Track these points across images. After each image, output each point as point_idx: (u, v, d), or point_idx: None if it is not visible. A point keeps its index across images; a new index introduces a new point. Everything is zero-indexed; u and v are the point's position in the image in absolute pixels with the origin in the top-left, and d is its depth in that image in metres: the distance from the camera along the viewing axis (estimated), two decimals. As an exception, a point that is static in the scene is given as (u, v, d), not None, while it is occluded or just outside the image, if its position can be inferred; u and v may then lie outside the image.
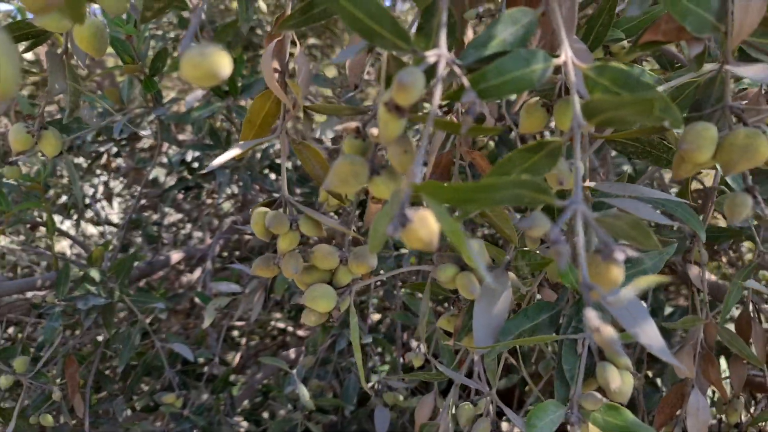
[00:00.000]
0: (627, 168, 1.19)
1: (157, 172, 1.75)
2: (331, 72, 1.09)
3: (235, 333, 1.71)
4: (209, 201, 1.83)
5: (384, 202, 0.48)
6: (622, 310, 0.38)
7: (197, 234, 1.92)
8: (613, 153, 1.19)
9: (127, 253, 1.43)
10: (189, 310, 1.81)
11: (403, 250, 1.15)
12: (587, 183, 0.49)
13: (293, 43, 0.40)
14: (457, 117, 0.45)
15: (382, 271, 1.03)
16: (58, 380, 1.03)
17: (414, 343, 1.48)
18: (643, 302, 0.41)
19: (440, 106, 0.30)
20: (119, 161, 1.69)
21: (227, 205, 1.88)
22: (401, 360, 1.21)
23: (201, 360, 1.17)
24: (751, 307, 0.72)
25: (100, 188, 1.72)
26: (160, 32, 1.50)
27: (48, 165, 0.89)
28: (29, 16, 0.76)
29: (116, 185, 1.84)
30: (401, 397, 1.13)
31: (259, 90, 1.20)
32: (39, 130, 0.47)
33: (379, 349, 1.28)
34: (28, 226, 1.33)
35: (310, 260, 0.44)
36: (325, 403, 1.05)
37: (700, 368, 0.64)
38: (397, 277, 1.18)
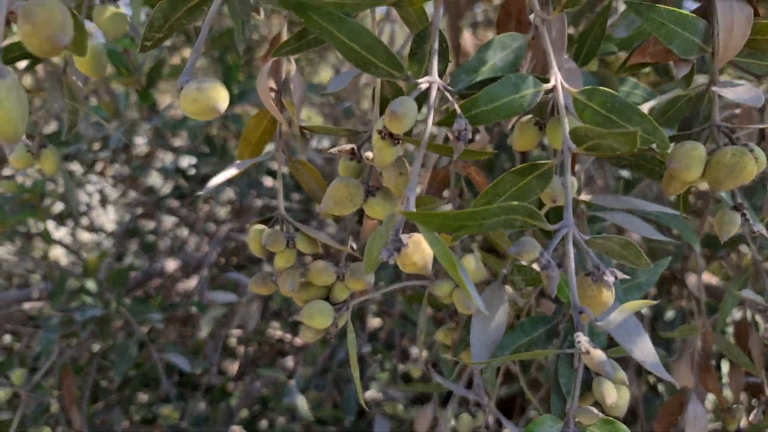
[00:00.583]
0: (625, 173, 1.20)
1: (153, 180, 1.76)
2: (327, 74, 1.09)
3: (233, 341, 1.71)
4: (206, 207, 1.83)
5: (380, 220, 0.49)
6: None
7: (193, 239, 1.92)
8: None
9: (123, 261, 1.43)
10: (185, 318, 1.81)
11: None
12: (582, 196, 0.49)
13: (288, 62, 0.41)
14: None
15: (382, 282, 1.04)
16: (55, 392, 1.03)
17: (414, 350, 1.49)
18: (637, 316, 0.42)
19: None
20: (115, 168, 1.69)
21: (223, 211, 1.88)
22: (400, 367, 1.21)
23: (198, 370, 1.17)
24: (749, 314, 0.72)
25: (96, 196, 1.72)
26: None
27: (45, 176, 0.89)
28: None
29: (111, 192, 1.84)
30: (401, 407, 1.13)
31: (255, 97, 1.21)
32: (39, 148, 0.47)
33: (378, 356, 1.28)
34: (24, 235, 1.33)
35: (307, 277, 0.44)
36: (325, 414, 1.05)
37: (698, 376, 0.65)
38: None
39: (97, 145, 1.13)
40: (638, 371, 0.96)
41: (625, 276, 0.26)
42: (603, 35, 0.49)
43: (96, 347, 1.17)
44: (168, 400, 1.08)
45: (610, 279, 0.25)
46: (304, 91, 0.40)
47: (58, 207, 1.57)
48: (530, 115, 0.41)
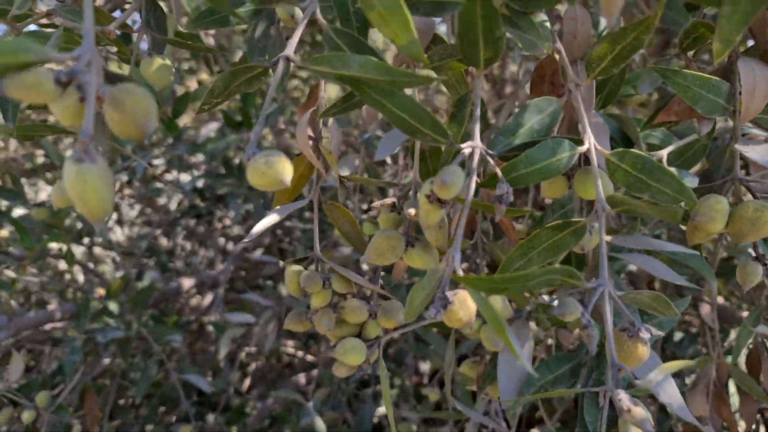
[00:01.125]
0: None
1: (165, 200, 1.78)
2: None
3: (242, 355, 1.72)
4: (219, 225, 1.85)
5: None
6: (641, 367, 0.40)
7: (207, 254, 1.94)
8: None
9: (141, 281, 1.45)
10: (197, 333, 1.83)
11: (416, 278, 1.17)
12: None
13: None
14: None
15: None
16: (73, 410, 1.05)
17: (423, 366, 1.49)
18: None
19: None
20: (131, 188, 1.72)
21: (237, 229, 1.91)
22: (407, 383, 1.22)
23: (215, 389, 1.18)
24: (760, 344, 0.73)
25: (113, 215, 1.75)
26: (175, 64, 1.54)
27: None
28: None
29: (127, 211, 1.87)
30: (414, 427, 1.14)
31: (272, 122, 1.24)
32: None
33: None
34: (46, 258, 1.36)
35: (341, 315, 0.46)
36: (340, 434, 1.06)
37: (713, 406, 0.66)
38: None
39: (124, 177, 1.16)
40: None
41: (659, 333, 0.27)
42: (623, 81, 0.51)
43: (115, 367, 1.19)
44: (187, 419, 1.09)
45: (646, 336, 0.27)
46: (341, 139, 0.42)
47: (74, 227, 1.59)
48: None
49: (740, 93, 0.35)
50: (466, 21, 0.25)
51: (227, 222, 1.72)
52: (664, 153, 0.49)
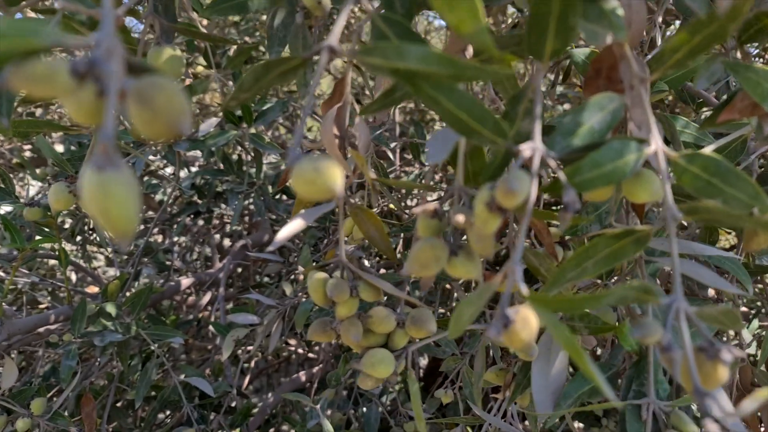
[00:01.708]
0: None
1: (162, 195, 1.74)
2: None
3: (239, 351, 1.69)
4: (217, 222, 1.81)
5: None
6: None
7: (204, 251, 1.90)
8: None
9: (138, 280, 1.41)
10: (195, 331, 1.79)
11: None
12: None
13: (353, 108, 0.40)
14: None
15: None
16: (69, 415, 1.01)
17: (421, 361, 1.47)
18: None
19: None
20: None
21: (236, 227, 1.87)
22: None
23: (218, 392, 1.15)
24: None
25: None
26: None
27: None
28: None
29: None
30: (424, 424, 1.12)
31: (273, 118, 1.20)
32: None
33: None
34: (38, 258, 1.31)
35: (367, 324, 0.43)
36: (347, 436, 1.04)
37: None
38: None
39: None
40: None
41: (742, 354, 0.25)
42: (684, 76, 0.49)
43: (113, 369, 1.16)
44: (189, 423, 1.06)
45: (728, 357, 0.24)
46: (369, 138, 0.39)
47: (67, 225, 1.55)
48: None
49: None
50: (540, 4, 0.22)
51: (226, 219, 1.68)
52: (706, 151, 0.46)
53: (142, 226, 1.66)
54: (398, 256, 1.22)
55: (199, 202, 1.44)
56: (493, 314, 0.49)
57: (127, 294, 1.21)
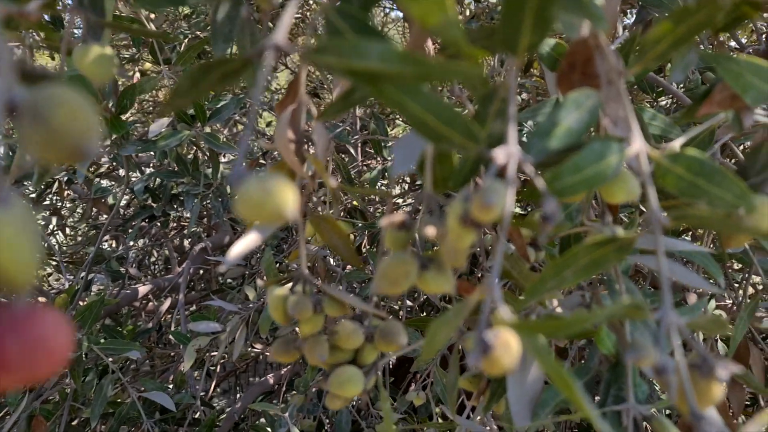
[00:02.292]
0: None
1: (113, 199, 1.65)
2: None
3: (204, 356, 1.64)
4: (173, 224, 1.74)
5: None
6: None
7: (161, 256, 1.82)
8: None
9: (89, 291, 1.34)
10: (157, 338, 1.72)
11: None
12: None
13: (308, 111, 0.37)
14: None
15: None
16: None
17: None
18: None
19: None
20: (73, 188, 1.58)
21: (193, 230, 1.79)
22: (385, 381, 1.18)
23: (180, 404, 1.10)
24: (747, 333, 0.73)
25: (53, 219, 1.61)
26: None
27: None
28: None
29: (66, 214, 1.72)
30: (393, 427, 1.10)
31: (228, 115, 1.15)
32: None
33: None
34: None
35: (333, 341, 0.40)
36: (318, 443, 1.01)
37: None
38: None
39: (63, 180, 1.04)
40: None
41: (737, 370, 0.23)
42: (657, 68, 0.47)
43: (66, 387, 1.09)
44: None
45: (724, 374, 0.23)
46: (328, 142, 0.36)
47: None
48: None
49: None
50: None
51: (184, 222, 1.61)
52: (676, 144, 0.45)
53: (92, 232, 1.58)
54: (364, 252, 1.19)
55: (154, 205, 1.37)
56: (467, 323, 0.47)
57: (79, 305, 1.14)
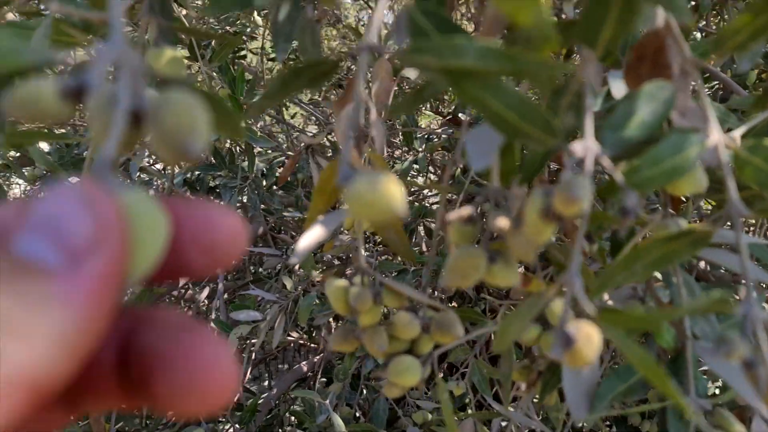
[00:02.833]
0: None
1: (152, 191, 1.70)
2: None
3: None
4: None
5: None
6: (728, 369, 0.36)
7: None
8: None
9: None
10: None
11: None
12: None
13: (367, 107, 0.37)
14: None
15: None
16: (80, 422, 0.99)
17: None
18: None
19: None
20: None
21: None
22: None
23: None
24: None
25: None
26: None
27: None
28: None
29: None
30: (429, 416, 1.11)
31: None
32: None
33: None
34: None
35: (391, 331, 0.41)
36: (358, 429, 1.03)
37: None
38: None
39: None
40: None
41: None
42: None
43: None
44: (198, 422, 1.04)
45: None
46: (385, 137, 0.37)
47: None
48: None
49: None
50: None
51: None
52: (737, 134, 0.44)
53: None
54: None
55: (192, 198, 1.41)
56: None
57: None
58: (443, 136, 1.21)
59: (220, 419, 1.06)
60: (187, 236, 0.14)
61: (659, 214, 0.43)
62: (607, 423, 0.88)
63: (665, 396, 0.42)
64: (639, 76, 0.30)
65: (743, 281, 0.77)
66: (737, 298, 0.48)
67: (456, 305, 1.44)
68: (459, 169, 0.99)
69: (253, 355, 1.63)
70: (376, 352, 0.39)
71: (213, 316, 1.32)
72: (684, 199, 0.60)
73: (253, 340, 1.39)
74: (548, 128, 0.23)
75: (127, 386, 0.14)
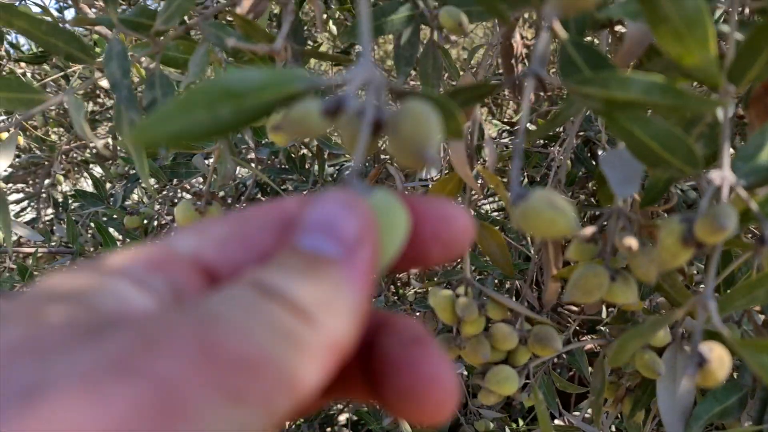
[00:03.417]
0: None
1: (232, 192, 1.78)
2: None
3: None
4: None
5: (563, 280, 0.47)
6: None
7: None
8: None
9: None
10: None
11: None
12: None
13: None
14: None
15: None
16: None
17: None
18: None
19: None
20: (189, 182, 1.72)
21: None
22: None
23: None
24: None
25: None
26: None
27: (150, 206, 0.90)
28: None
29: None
30: (491, 425, 1.12)
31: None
32: (205, 206, 0.47)
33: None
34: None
35: (490, 341, 0.43)
36: (420, 434, 1.04)
37: None
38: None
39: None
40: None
41: None
42: None
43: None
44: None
45: None
46: (496, 155, 0.39)
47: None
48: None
49: None
50: (761, 33, 0.21)
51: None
52: None
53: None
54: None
55: (263, 199, 1.47)
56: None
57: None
58: (509, 146, 1.22)
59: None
60: (428, 230, 0.16)
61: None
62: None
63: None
64: (766, 105, 0.30)
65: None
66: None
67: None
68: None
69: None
70: (478, 360, 0.41)
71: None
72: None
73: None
74: (690, 158, 0.25)
75: (366, 382, 0.16)
